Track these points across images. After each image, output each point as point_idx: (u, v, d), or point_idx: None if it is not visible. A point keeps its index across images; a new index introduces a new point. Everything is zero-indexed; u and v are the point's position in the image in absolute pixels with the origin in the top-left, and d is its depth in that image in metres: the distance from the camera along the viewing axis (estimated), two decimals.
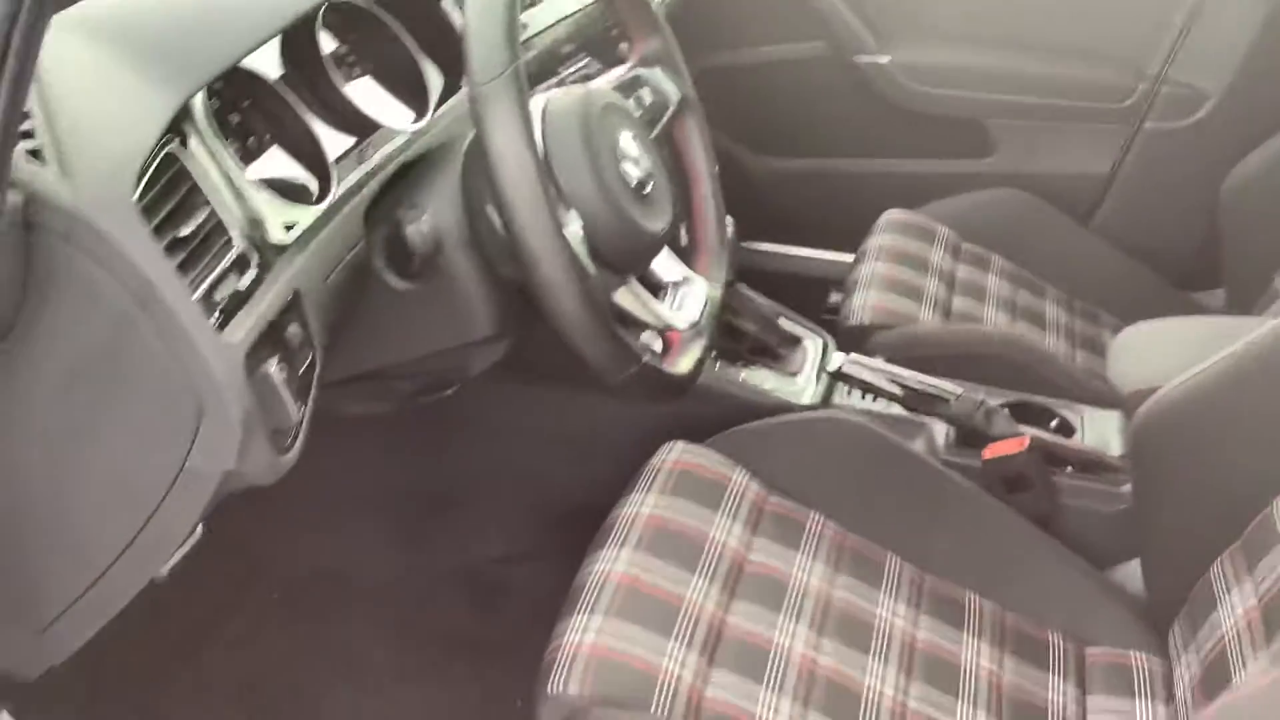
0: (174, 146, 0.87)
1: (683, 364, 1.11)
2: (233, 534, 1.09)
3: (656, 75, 1.22)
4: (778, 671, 1.14)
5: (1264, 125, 1.83)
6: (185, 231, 0.84)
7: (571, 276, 0.92)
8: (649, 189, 1.07)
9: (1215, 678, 1.10)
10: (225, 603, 1.61)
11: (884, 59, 2.12)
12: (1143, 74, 2.04)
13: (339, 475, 1.52)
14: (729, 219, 1.38)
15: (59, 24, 0.70)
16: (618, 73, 1.21)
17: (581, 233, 0.99)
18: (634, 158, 1.06)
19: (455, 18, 1.26)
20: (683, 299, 1.19)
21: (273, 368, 0.87)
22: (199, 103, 0.91)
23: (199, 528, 1.00)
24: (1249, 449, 1.17)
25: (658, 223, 1.07)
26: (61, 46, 0.73)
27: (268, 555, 1.63)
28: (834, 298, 1.93)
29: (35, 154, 0.77)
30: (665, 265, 1.20)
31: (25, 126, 0.76)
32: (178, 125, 0.89)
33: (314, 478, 1.19)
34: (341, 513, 1.60)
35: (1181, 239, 2.02)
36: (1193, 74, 2.01)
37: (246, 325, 0.86)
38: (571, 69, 1.41)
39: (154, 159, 0.84)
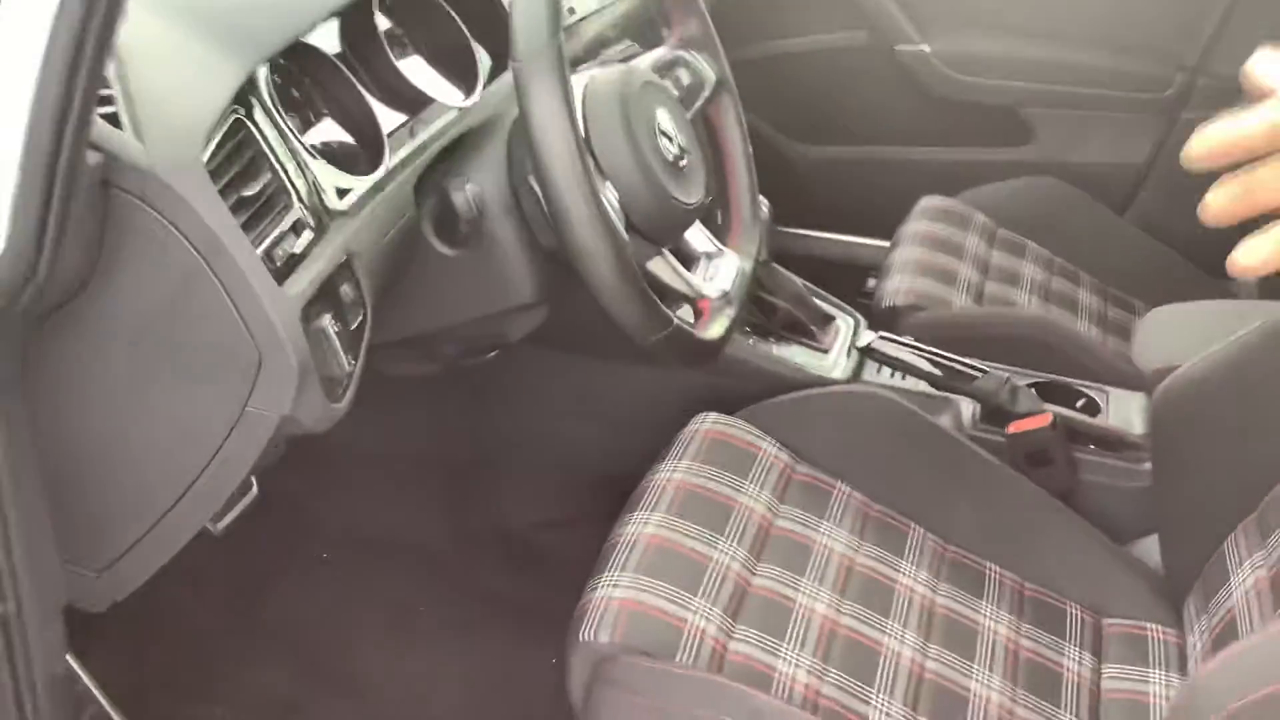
0: (240, 114, 0.93)
1: (713, 330, 1.16)
2: (285, 495, 1.15)
3: (694, 57, 1.27)
4: (800, 630, 1.19)
5: None
6: (249, 192, 0.90)
7: (606, 242, 0.98)
8: (684, 163, 1.12)
9: (1222, 644, 1.14)
10: (276, 561, 1.67)
11: (925, 48, 2.16)
12: (1181, 65, 2.06)
13: (384, 439, 1.59)
14: (764, 200, 1.43)
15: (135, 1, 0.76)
16: (657, 54, 1.26)
17: (617, 203, 1.05)
18: (670, 134, 1.12)
19: (504, 1, 1.32)
20: (715, 270, 1.25)
21: (326, 321, 0.93)
22: (262, 75, 0.97)
23: (253, 488, 1.06)
24: (1264, 426, 1.20)
25: (691, 195, 1.13)
26: (137, 21, 0.79)
27: (317, 516, 1.69)
28: (871, 283, 1.98)
29: (113, 119, 0.83)
30: (699, 238, 1.25)
31: (104, 93, 0.83)
32: (243, 96, 0.95)
33: (361, 441, 1.25)
34: (387, 475, 1.66)
35: (1215, 229, 2.03)
36: (1231, 65, 2.01)
37: (303, 282, 0.92)
38: (613, 51, 1.46)
39: (221, 125, 0.90)
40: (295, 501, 1.61)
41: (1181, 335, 1.49)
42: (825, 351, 1.58)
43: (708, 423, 1.39)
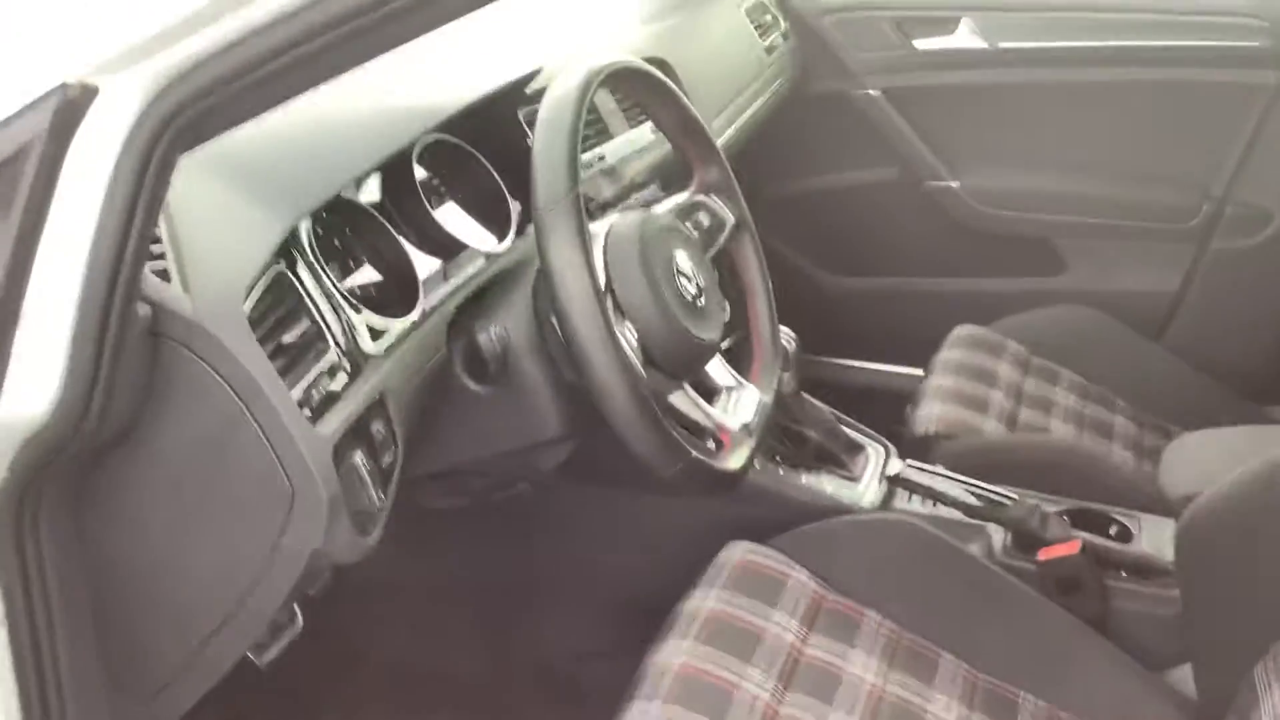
0: (280, 267, 1.01)
1: (732, 461, 1.20)
2: (331, 628, 1.19)
3: (714, 201, 1.33)
4: None
5: None
6: (288, 339, 0.97)
7: (622, 379, 1.03)
8: (701, 302, 1.18)
9: None
10: (321, 694, 1.70)
11: (954, 183, 2.23)
12: (1208, 194, 2.11)
13: (426, 572, 1.63)
14: (790, 333, 1.48)
15: (184, 160, 0.83)
16: (678, 199, 1.33)
17: (637, 340, 1.10)
18: (688, 274, 1.18)
19: None
20: (736, 403, 1.29)
21: (358, 459, 0.99)
22: (304, 228, 1.05)
23: (299, 620, 1.11)
24: None
25: (709, 332, 1.18)
26: (185, 180, 0.86)
27: (363, 649, 1.73)
28: (909, 411, 2.01)
29: (162, 273, 0.91)
30: (720, 372, 1.30)
31: (154, 250, 0.90)
32: (285, 248, 1.02)
33: (404, 574, 1.29)
34: (429, 608, 1.70)
35: (1253, 354, 2.05)
36: (1257, 194, 2.07)
37: (337, 421, 0.98)
38: (643, 194, 1.54)
39: (263, 277, 0.97)
40: (341, 634, 1.64)
41: (1209, 461, 1.50)
42: (856, 480, 1.61)
43: (739, 551, 1.41)
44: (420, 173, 1.27)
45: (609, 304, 1.09)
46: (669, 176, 1.59)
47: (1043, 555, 1.45)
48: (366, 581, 1.16)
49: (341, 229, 1.15)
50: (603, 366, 1.03)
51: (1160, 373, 2.03)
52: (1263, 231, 2.07)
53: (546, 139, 1.06)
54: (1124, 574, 1.46)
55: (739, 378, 1.32)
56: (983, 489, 1.53)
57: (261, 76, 0.81)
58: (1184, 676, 1.38)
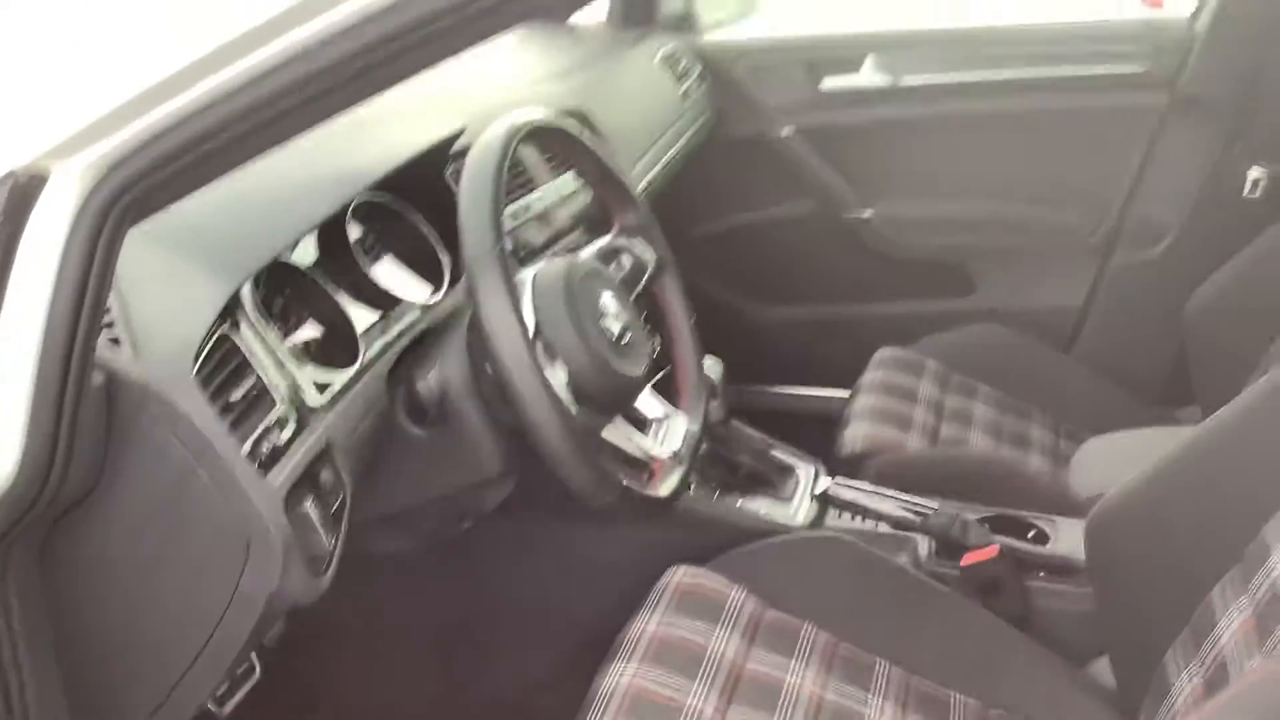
0: (226, 328, 1.06)
1: (664, 488, 1.27)
2: (287, 675, 1.23)
3: (635, 243, 1.41)
4: None
5: (1218, 252, 1.98)
6: (235, 397, 1.02)
7: (553, 416, 1.10)
8: (627, 340, 1.25)
9: None
10: None
11: (868, 214, 2.33)
12: (1107, 212, 2.22)
13: (378, 615, 1.67)
14: (718, 361, 1.55)
15: (131, 232, 0.89)
16: (601, 243, 1.40)
17: (567, 380, 1.17)
18: (613, 314, 1.25)
19: None
20: (666, 432, 1.36)
21: (308, 505, 1.05)
22: (246, 291, 1.11)
23: (256, 669, 1.15)
24: (1187, 543, 1.28)
25: (635, 368, 1.25)
26: (132, 250, 0.90)
27: (319, 692, 1.75)
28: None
29: (114, 340, 0.96)
30: (650, 404, 1.37)
31: (105, 319, 0.95)
32: (229, 310, 1.08)
33: (356, 619, 1.34)
34: (383, 650, 1.73)
35: (1156, 360, 2.17)
36: (1153, 209, 2.19)
37: (286, 471, 1.03)
38: (565, 240, 1.61)
39: (209, 339, 1.03)
40: (297, 681, 1.67)
41: (1114, 462, 1.60)
42: (788, 500, 1.68)
43: (679, 575, 1.47)
44: (355, 231, 1.33)
45: (539, 347, 1.15)
46: (595, 220, 1.67)
47: (965, 561, 1.53)
48: (320, 627, 1.21)
49: (282, 289, 1.21)
50: (534, 407, 1.09)
51: (1071, 382, 2.13)
52: (1159, 244, 2.19)
53: (471, 196, 1.13)
54: (1042, 574, 1.55)
55: (668, 408, 1.39)
56: (908, 502, 1.61)
57: (202, 154, 0.88)
58: (1103, 668, 1.46)
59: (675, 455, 1.33)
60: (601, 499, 1.15)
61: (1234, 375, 1.85)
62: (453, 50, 0.90)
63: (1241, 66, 2.08)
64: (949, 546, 1.57)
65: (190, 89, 0.87)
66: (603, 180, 1.39)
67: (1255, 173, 2.09)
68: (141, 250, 1.02)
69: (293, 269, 1.21)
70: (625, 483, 1.17)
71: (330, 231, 1.28)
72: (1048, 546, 1.61)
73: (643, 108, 2.09)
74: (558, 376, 1.16)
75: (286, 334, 1.18)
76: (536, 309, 1.18)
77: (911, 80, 2.30)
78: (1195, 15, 2.20)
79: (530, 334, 1.14)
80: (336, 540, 1.09)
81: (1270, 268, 1.86)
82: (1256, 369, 1.81)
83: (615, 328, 1.24)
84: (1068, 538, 1.63)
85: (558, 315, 1.18)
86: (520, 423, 1.11)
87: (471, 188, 1.14)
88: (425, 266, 1.40)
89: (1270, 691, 0.91)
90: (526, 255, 1.54)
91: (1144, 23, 2.24)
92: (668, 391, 1.44)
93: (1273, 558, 1.15)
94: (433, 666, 1.75)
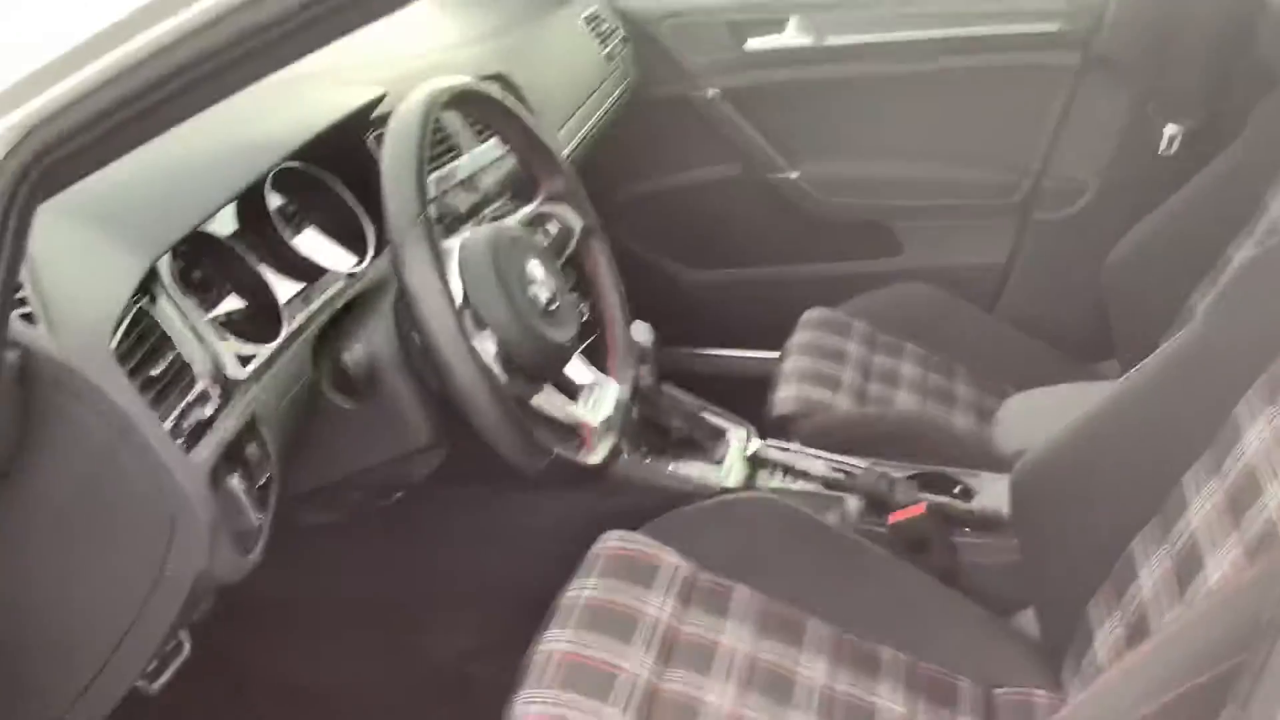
0: (144, 302, 1.04)
1: (595, 455, 1.27)
2: (217, 650, 1.21)
3: (561, 209, 1.40)
4: None
5: (1136, 208, 2.02)
6: (155, 372, 1.00)
7: (482, 385, 1.09)
8: (555, 306, 1.24)
9: None
10: (216, 716, 1.71)
11: (794, 175, 2.34)
12: (1027, 171, 2.25)
13: (308, 588, 1.65)
14: (649, 326, 1.55)
15: (43, 206, 0.86)
16: (527, 210, 1.39)
17: (496, 348, 1.17)
18: (541, 281, 1.24)
19: None
20: (596, 398, 1.36)
21: (234, 482, 1.03)
22: (164, 264, 1.08)
23: (185, 646, 1.13)
24: (1108, 496, 1.32)
25: (565, 335, 1.25)
26: (45, 225, 0.88)
27: (250, 668, 1.74)
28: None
29: (28, 317, 0.93)
30: (580, 370, 1.37)
31: (19, 295, 0.93)
32: (147, 284, 1.06)
33: (286, 591, 1.32)
34: (313, 622, 1.72)
35: (1076, 315, 2.20)
36: (1071, 167, 2.22)
37: (210, 447, 1.02)
38: (493, 209, 1.60)
39: (127, 314, 1.01)
40: (229, 657, 1.66)
41: (1037, 419, 1.63)
42: (719, 463, 1.69)
43: (613, 540, 1.47)
44: (276, 200, 1.30)
45: (467, 316, 1.14)
46: (521, 186, 1.65)
47: (894, 519, 1.55)
48: (250, 602, 1.19)
49: (200, 259, 1.18)
50: (463, 377, 1.09)
51: (995, 339, 2.16)
52: (1078, 202, 2.23)
53: (394, 166, 1.12)
54: (968, 530, 1.58)
55: (598, 374, 1.39)
56: (837, 461, 1.63)
57: (119, 122, 0.85)
58: (1028, 619, 1.50)
59: (606, 421, 1.33)
60: (533, 467, 1.15)
61: (1152, 329, 1.90)
62: (376, 14, 0.89)
63: (1153, 26, 2.11)
64: (877, 504, 1.59)
65: (105, 54, 0.84)
66: (528, 146, 1.38)
67: (1170, 130, 2.13)
68: (54, 224, 0.99)
69: (212, 239, 1.19)
70: (556, 450, 1.16)
71: (250, 201, 1.26)
72: (973, 502, 1.65)
73: (567, 70, 2.07)
74: (486, 345, 1.16)
75: (207, 306, 1.15)
76: (464, 278, 1.17)
77: (835, 40, 2.30)
78: None
79: (458, 303, 1.13)
80: (265, 516, 1.08)
81: (1185, 223, 1.90)
82: (1173, 323, 1.85)
83: (543, 295, 1.23)
84: (992, 493, 1.66)
85: (485, 284, 1.17)
86: (449, 392, 1.11)
87: (394, 156, 1.12)
88: (349, 235, 1.38)
89: (1188, 643, 0.94)
90: (452, 222, 1.53)
91: None
92: (597, 357, 1.43)
93: (1190, 509, 1.19)
94: (366, 638, 1.74)
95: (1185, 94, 2.12)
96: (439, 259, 1.10)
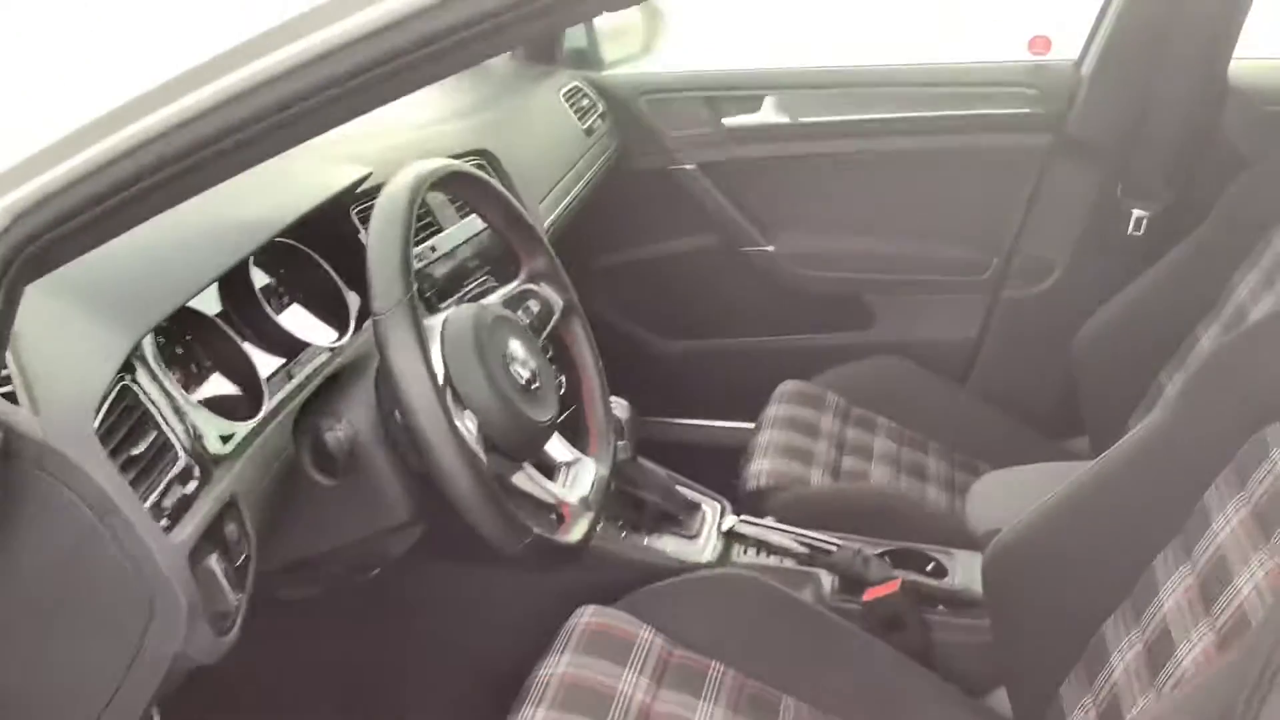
0: (127, 380, 1.04)
1: (573, 534, 1.28)
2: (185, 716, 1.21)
3: (542, 288, 1.42)
4: None
5: (1104, 287, 2.05)
6: (137, 451, 1.00)
7: (463, 465, 1.10)
8: (536, 386, 1.25)
9: None
10: None
11: (769, 248, 2.37)
12: (997, 249, 2.30)
13: (280, 663, 1.64)
14: (625, 401, 1.56)
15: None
16: (508, 288, 1.41)
17: (477, 428, 1.17)
18: (522, 360, 1.25)
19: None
20: (575, 477, 1.37)
21: (213, 561, 1.03)
22: (148, 342, 1.09)
23: (155, 718, 1.12)
24: (1080, 577, 1.33)
25: (545, 414, 1.26)
26: (29, 302, 0.89)
27: None
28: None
29: (10, 396, 0.93)
30: (559, 448, 1.38)
31: (1, 374, 0.93)
32: (130, 361, 1.06)
33: (258, 667, 1.32)
34: (284, 699, 1.71)
35: (1046, 392, 2.24)
36: (1040, 246, 2.27)
37: (190, 526, 1.02)
38: (474, 283, 1.61)
39: (110, 391, 1.01)
40: None
41: (1010, 498, 1.64)
42: (694, 538, 1.70)
43: (587, 615, 1.48)
44: (259, 275, 1.31)
45: (449, 395, 1.15)
46: (500, 261, 1.67)
47: (868, 596, 1.56)
48: (221, 676, 1.19)
49: (183, 335, 1.19)
50: (446, 457, 1.09)
51: (966, 414, 2.19)
52: (1047, 280, 2.27)
53: (380, 246, 1.13)
54: (941, 608, 1.59)
55: (576, 453, 1.40)
56: (811, 537, 1.64)
57: (111, 208, 0.86)
58: (1001, 699, 1.50)
59: (584, 500, 1.34)
60: (512, 547, 1.15)
61: (1121, 407, 1.93)
62: (382, 101, 0.90)
63: (1123, 110, 2.17)
64: (851, 581, 1.60)
65: (101, 140, 0.86)
66: (510, 225, 1.40)
67: (1138, 211, 2.18)
68: (38, 301, 0.99)
69: (195, 314, 1.19)
70: (535, 530, 1.17)
71: (234, 277, 1.26)
72: (946, 580, 1.66)
73: (548, 145, 2.10)
74: (467, 424, 1.16)
75: (189, 383, 1.16)
76: (446, 357, 1.18)
77: (810, 119, 2.35)
78: (1080, 60, 2.29)
79: (440, 382, 1.14)
80: (242, 596, 1.08)
81: (1153, 303, 1.94)
82: (1142, 401, 1.88)
83: (524, 374, 1.24)
84: (965, 570, 1.68)
85: (467, 364, 1.18)
86: (431, 471, 1.11)
87: (380, 236, 1.14)
88: (331, 309, 1.39)
89: None
90: (432, 297, 1.54)
91: (1032, 66, 2.32)
92: (575, 435, 1.44)
93: (1161, 593, 1.20)
94: (338, 714, 1.73)
95: (1153, 176, 2.17)
96: (424, 341, 1.11)
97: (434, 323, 1.21)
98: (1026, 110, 2.27)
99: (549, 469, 1.36)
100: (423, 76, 0.87)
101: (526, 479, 1.27)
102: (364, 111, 0.90)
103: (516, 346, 1.26)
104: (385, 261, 1.12)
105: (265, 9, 0.85)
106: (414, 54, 0.82)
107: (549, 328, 1.40)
